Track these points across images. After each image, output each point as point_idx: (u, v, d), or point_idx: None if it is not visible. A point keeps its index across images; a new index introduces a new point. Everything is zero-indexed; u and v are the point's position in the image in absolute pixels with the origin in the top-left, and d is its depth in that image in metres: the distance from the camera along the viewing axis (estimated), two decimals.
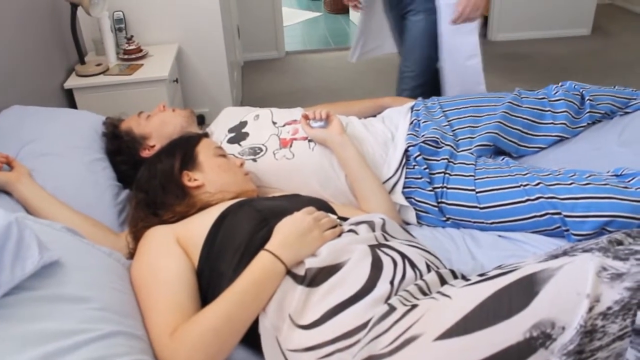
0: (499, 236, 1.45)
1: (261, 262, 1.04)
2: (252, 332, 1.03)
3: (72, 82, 2.42)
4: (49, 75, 2.33)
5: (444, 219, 1.51)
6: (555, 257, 0.97)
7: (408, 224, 1.56)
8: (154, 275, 1.10)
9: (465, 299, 0.88)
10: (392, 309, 0.93)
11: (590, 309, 0.76)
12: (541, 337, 0.77)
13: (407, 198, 1.54)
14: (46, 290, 0.93)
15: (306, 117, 1.61)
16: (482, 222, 1.47)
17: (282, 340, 1.00)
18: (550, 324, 0.77)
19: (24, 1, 2.15)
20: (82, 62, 2.48)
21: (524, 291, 0.82)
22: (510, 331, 0.79)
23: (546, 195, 1.37)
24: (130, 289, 1.11)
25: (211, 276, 1.12)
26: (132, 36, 2.70)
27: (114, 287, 1.06)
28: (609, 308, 0.76)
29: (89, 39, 2.81)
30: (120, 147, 1.63)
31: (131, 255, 1.24)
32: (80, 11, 2.39)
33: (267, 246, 1.06)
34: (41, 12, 2.30)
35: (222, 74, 3.03)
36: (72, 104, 2.44)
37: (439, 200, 1.50)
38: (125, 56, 2.62)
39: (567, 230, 1.36)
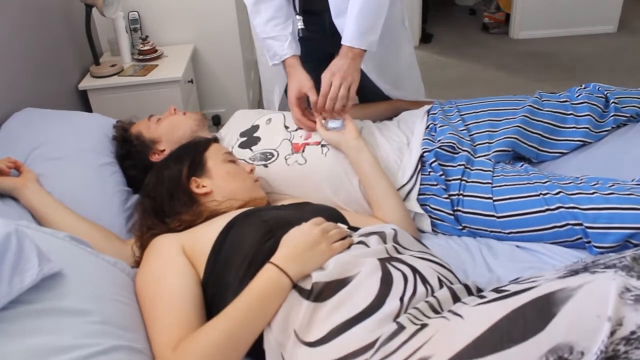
0: (517, 246, 1.40)
1: (266, 276, 1.01)
2: (257, 347, 1.00)
3: (87, 83, 2.42)
4: (64, 76, 2.33)
5: (460, 227, 1.47)
6: (575, 272, 0.92)
7: (423, 232, 1.52)
8: (159, 287, 1.08)
9: (477, 319, 0.84)
10: (401, 328, 0.89)
11: (612, 333, 0.72)
12: None
13: (422, 205, 1.50)
14: (45, 304, 0.92)
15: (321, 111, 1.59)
16: (500, 232, 1.42)
17: (287, 358, 0.97)
18: (569, 348, 0.72)
19: (39, 2, 2.14)
20: (97, 62, 2.47)
21: (540, 312, 0.77)
22: (524, 356, 0.75)
23: (567, 205, 1.32)
24: (134, 300, 1.10)
25: (216, 288, 1.09)
26: (147, 36, 2.69)
27: (117, 299, 1.05)
28: (633, 332, 0.72)
29: (104, 39, 2.81)
30: (129, 151, 1.61)
31: (137, 263, 1.22)
32: (95, 12, 2.38)
33: (273, 259, 1.03)
34: (56, 13, 2.30)
35: (238, 74, 3.01)
36: (87, 105, 2.44)
37: (455, 208, 1.46)
38: (140, 57, 2.61)
39: (589, 242, 1.31)
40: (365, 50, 1.58)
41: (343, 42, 1.57)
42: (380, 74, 1.83)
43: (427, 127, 1.66)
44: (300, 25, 1.72)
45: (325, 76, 1.57)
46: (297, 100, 1.62)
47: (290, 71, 1.65)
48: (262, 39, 1.70)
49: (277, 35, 1.66)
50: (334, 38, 1.65)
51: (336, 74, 1.55)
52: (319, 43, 1.75)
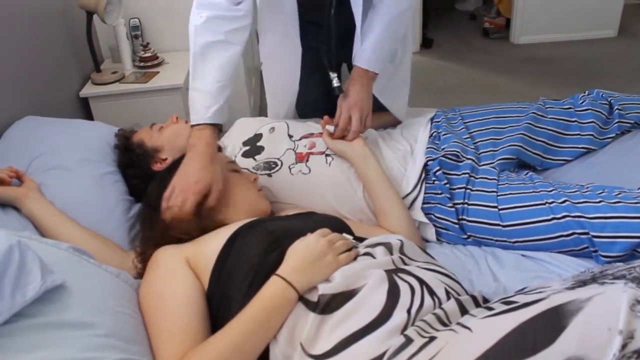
0: (523, 256, 1.39)
1: (272, 288, 1.00)
2: None
3: (88, 90, 2.41)
4: (65, 83, 2.33)
5: (465, 236, 1.46)
6: (584, 282, 0.91)
7: (427, 241, 1.51)
8: (163, 299, 1.07)
9: (486, 332, 0.83)
10: (409, 340, 0.88)
11: (624, 347, 0.70)
12: None
13: (426, 214, 1.49)
14: (48, 317, 0.91)
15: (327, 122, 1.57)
16: (505, 241, 1.41)
17: None
18: None
19: (40, 9, 2.14)
20: (98, 70, 2.47)
21: (550, 325, 0.76)
22: None
23: (573, 214, 1.31)
24: (138, 312, 1.09)
25: (221, 300, 1.08)
26: (148, 43, 2.69)
27: (121, 311, 1.04)
28: None
29: (105, 46, 2.80)
30: (131, 159, 1.60)
31: (139, 275, 1.21)
32: (96, 18, 2.38)
33: (279, 271, 1.02)
34: (56, 20, 2.30)
35: (239, 80, 3.00)
36: (88, 113, 2.43)
37: (460, 217, 1.45)
38: (142, 64, 2.61)
39: (596, 251, 1.29)
40: (377, 73, 1.56)
41: (359, 64, 1.54)
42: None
43: (431, 135, 1.65)
44: (336, 82, 1.58)
45: (343, 109, 1.54)
46: (200, 194, 1.28)
47: (205, 152, 1.32)
48: (190, 87, 1.42)
49: (210, 92, 1.39)
50: (342, 49, 1.61)
51: (354, 107, 1.52)
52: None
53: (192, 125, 1.38)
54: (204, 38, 1.41)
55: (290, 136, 1.64)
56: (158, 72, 2.55)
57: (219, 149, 1.48)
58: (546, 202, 1.36)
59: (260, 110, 3.55)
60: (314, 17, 1.58)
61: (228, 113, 1.43)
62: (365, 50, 1.53)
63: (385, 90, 1.74)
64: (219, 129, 1.40)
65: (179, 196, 1.28)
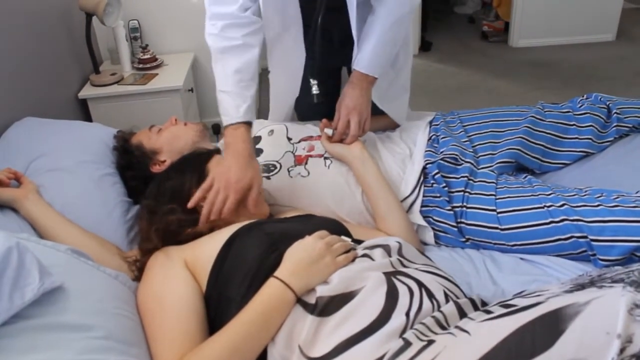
0: (521, 259, 1.39)
1: (270, 290, 1.00)
2: None
3: (87, 91, 2.41)
4: (64, 85, 2.33)
5: (464, 239, 1.46)
6: (582, 286, 0.91)
7: (426, 244, 1.51)
8: (161, 301, 1.07)
9: (485, 335, 0.83)
10: (408, 344, 0.88)
11: (622, 351, 0.71)
12: None
13: (425, 217, 1.49)
14: (46, 319, 0.90)
15: (326, 126, 1.57)
16: (503, 244, 1.41)
17: None
18: None
19: (39, 11, 2.14)
20: (97, 71, 2.47)
21: (548, 329, 0.76)
22: None
23: (571, 218, 1.31)
24: (136, 314, 1.09)
25: (219, 302, 1.08)
26: (147, 45, 2.69)
27: (119, 313, 1.04)
28: None
29: (104, 48, 2.81)
30: (130, 161, 1.59)
31: (137, 277, 1.21)
32: (95, 20, 2.38)
33: (277, 273, 1.02)
34: (56, 21, 2.30)
35: None
36: (87, 114, 2.43)
37: (458, 220, 1.45)
38: (140, 65, 2.61)
39: (594, 255, 1.29)
40: (376, 78, 1.56)
41: (358, 68, 1.54)
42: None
43: (430, 138, 1.65)
44: (315, 90, 1.62)
45: (342, 112, 1.54)
46: (241, 193, 1.31)
47: (244, 149, 1.35)
48: (217, 91, 1.46)
49: (237, 92, 1.43)
50: (343, 53, 1.60)
51: (352, 111, 1.52)
52: (327, 58, 1.72)
53: (226, 126, 1.42)
54: (222, 44, 1.45)
55: (289, 139, 1.64)
56: (157, 74, 2.55)
57: (218, 151, 1.48)
58: (545, 206, 1.36)
59: (259, 114, 3.55)
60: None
61: (253, 112, 1.47)
62: (365, 55, 1.53)
63: (386, 96, 1.73)
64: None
65: (220, 194, 1.29)
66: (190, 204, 1.29)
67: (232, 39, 1.44)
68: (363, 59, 1.53)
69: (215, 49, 1.47)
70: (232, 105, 1.41)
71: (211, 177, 1.32)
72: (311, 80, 1.61)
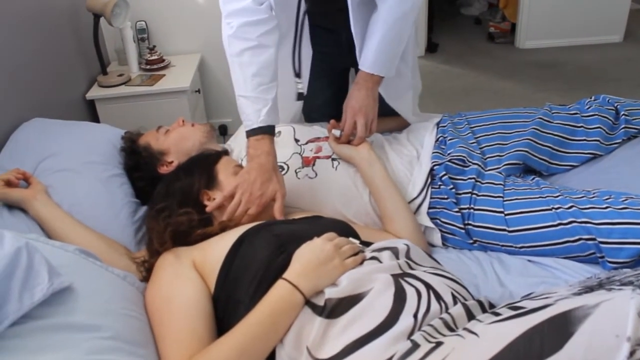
0: (529, 261, 1.38)
1: (279, 292, 1.00)
2: None
3: (94, 92, 2.42)
4: (71, 86, 2.33)
5: (471, 241, 1.45)
6: (590, 288, 0.91)
7: (433, 246, 1.51)
8: (169, 302, 1.07)
9: (493, 338, 0.82)
10: (416, 346, 0.88)
11: (632, 354, 0.70)
12: None
13: (432, 219, 1.48)
14: (55, 319, 0.91)
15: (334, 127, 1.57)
16: (511, 246, 1.40)
17: None
18: None
19: (47, 12, 2.15)
20: (104, 72, 2.48)
21: (557, 331, 0.76)
22: None
23: (580, 220, 1.30)
24: (144, 315, 1.09)
25: (227, 303, 1.08)
26: (154, 46, 2.70)
27: (127, 314, 1.04)
28: None
29: (111, 49, 2.82)
30: (138, 162, 1.60)
31: (145, 278, 1.21)
32: (103, 21, 2.39)
33: (285, 275, 1.02)
34: (63, 22, 2.31)
35: None
36: (94, 115, 2.44)
37: (466, 222, 1.45)
38: (148, 66, 2.62)
39: (602, 257, 1.29)
40: (383, 77, 1.55)
41: (362, 67, 1.53)
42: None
43: (437, 140, 1.65)
44: (300, 89, 1.62)
45: (348, 114, 1.54)
46: (262, 207, 1.34)
47: (267, 162, 1.36)
48: (237, 96, 1.46)
49: (256, 97, 1.42)
50: (351, 54, 1.60)
51: (358, 113, 1.52)
52: (334, 59, 1.72)
53: (248, 131, 1.42)
54: (238, 46, 1.45)
55: (297, 140, 1.64)
56: (164, 75, 2.55)
57: (226, 152, 1.48)
58: (552, 208, 1.35)
59: None
60: (322, 22, 1.57)
61: (276, 114, 1.46)
62: (369, 54, 1.52)
63: (392, 90, 1.72)
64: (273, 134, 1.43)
65: (241, 206, 1.31)
66: (208, 209, 1.31)
67: (247, 40, 1.44)
68: (367, 58, 1.53)
69: (232, 52, 1.47)
70: (253, 110, 1.41)
71: (233, 186, 1.33)
72: (296, 79, 1.61)
